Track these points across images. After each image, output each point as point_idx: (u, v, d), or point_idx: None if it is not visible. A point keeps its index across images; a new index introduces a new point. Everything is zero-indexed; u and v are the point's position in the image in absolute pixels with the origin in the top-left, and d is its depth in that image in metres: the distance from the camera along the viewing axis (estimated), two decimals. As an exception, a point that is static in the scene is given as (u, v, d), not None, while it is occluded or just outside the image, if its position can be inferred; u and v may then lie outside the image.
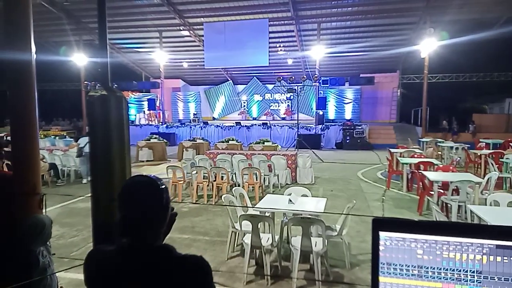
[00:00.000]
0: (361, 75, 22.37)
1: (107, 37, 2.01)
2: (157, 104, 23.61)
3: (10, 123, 2.41)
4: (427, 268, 0.89)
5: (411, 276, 0.90)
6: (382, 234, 0.90)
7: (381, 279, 0.89)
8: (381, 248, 0.90)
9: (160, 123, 22.40)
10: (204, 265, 1.22)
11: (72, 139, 13.61)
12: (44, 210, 2.62)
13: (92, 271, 1.25)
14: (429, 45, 16.94)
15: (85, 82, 20.56)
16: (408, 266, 0.90)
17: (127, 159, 2.03)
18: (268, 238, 3.96)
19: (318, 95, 20.71)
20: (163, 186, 1.27)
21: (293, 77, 15.96)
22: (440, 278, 0.90)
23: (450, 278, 0.90)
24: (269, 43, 19.29)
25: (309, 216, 3.80)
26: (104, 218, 1.95)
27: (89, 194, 6.66)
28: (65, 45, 21.59)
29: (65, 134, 18.79)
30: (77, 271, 3.80)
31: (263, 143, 12.34)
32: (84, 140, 9.59)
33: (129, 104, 2.13)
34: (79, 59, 21.46)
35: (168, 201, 1.27)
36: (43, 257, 2.42)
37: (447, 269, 0.89)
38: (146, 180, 1.27)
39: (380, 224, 0.91)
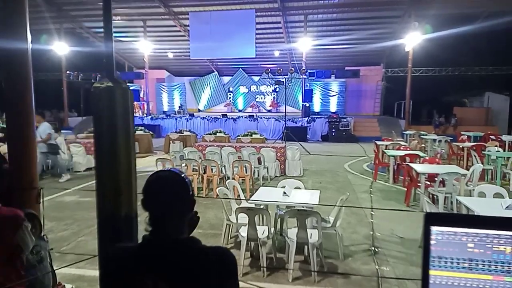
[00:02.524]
0: (346, 68, 22.55)
1: (112, 26, 1.94)
2: (141, 95, 23.20)
3: (6, 117, 2.33)
4: (478, 261, 0.92)
5: (461, 269, 0.93)
6: (434, 229, 0.92)
7: (432, 272, 0.92)
8: (432, 242, 0.92)
9: (145, 115, 22.06)
10: (230, 257, 1.25)
11: (54, 131, 13.25)
12: (41, 204, 2.56)
13: (115, 269, 1.24)
14: (413, 39, 17.18)
15: (68, 72, 19.97)
16: (459, 260, 0.93)
17: (132, 151, 1.99)
18: (264, 231, 3.98)
19: (304, 87, 20.79)
20: (188, 179, 1.32)
21: (281, 69, 15.95)
22: (491, 271, 0.93)
23: (500, 270, 0.92)
24: (256, 34, 19.16)
25: (305, 208, 3.83)
26: (111, 211, 1.91)
27: (77, 187, 6.51)
28: (45, 33, 20.88)
29: (46, 126, 18.24)
30: (72, 266, 3.75)
31: (251, 136, 12.34)
32: (45, 129, 8.11)
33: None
34: (60, 48, 20.83)
35: (193, 193, 1.31)
36: (34, 254, 2.36)
37: (497, 262, 0.92)
38: (172, 174, 1.30)
39: (432, 219, 0.93)
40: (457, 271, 0.93)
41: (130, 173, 1.96)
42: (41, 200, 2.52)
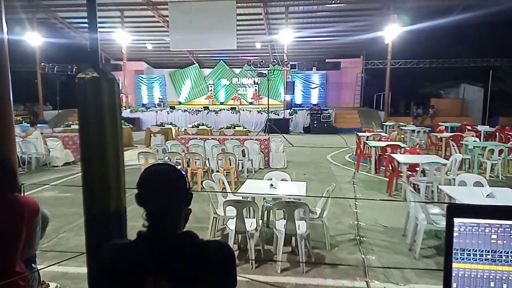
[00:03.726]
0: (327, 60, 22.66)
1: (97, 15, 1.85)
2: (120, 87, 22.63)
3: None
4: (501, 252, 0.91)
5: (485, 261, 0.91)
6: (457, 220, 0.90)
7: (455, 265, 0.90)
8: (455, 234, 0.91)
9: (124, 108, 21.56)
10: (228, 251, 1.24)
11: (29, 125, 12.80)
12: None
13: (113, 266, 1.19)
14: (392, 31, 17.42)
15: (42, 64, 19.21)
16: (482, 251, 0.92)
17: (120, 145, 1.91)
18: (252, 223, 3.97)
19: (286, 79, 20.78)
20: (184, 172, 1.30)
21: (263, 61, 15.87)
22: None
23: None
24: (237, 26, 18.94)
25: (294, 200, 3.83)
26: (98, 207, 1.84)
27: (56, 183, 6.31)
28: (16, 23, 19.99)
29: (21, 119, 17.62)
30: (56, 265, 3.63)
31: (234, 128, 12.26)
32: None
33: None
34: (33, 39, 20.01)
35: (190, 186, 1.29)
36: None
37: None
38: (170, 168, 1.27)
39: (455, 210, 0.92)
40: (480, 263, 0.92)
41: (118, 166, 1.88)
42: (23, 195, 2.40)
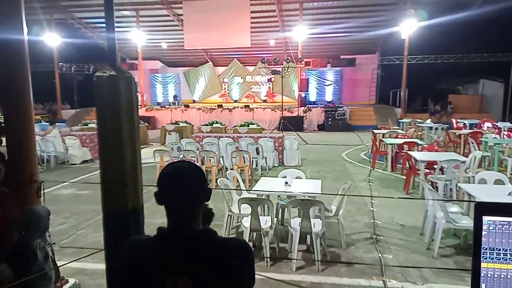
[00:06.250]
0: (341, 57, 22.42)
1: (114, 15, 1.86)
2: (135, 86, 22.87)
3: (4, 110, 2.24)
4: None
5: None
6: (486, 219, 0.86)
7: (483, 264, 0.86)
8: (483, 233, 0.87)
9: (139, 106, 21.82)
10: (247, 248, 1.24)
11: (48, 124, 13.08)
12: (42, 198, 2.50)
13: (131, 261, 1.21)
14: (409, 26, 17.08)
15: (60, 64, 19.62)
16: None
17: (137, 142, 1.93)
18: (267, 221, 3.95)
19: (300, 77, 20.65)
20: (202, 169, 1.31)
21: (278, 59, 15.80)
22: None
23: None
24: (251, 23, 18.92)
25: (309, 198, 3.81)
26: (116, 205, 1.86)
27: (73, 180, 6.43)
28: (35, 24, 20.45)
29: (40, 118, 18.02)
30: (75, 261, 3.70)
31: (248, 126, 12.26)
32: None
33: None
34: (51, 39, 20.43)
35: (207, 183, 1.31)
36: (40, 249, 2.31)
37: None
38: (189, 165, 1.28)
39: (484, 208, 0.88)
40: (510, 263, 0.88)
41: (135, 165, 1.90)
42: (42, 194, 2.45)
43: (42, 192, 2.46)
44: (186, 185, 1.21)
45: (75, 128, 14.42)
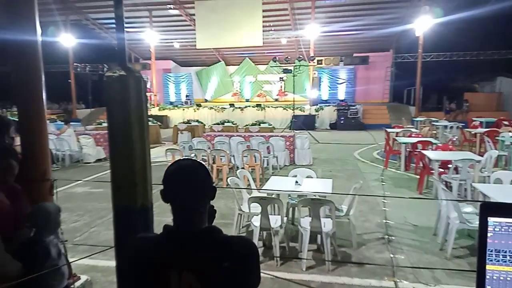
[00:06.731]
0: (354, 55, 22.19)
1: (123, 16, 1.89)
2: (148, 86, 23.15)
3: (18, 109, 2.29)
4: None
5: None
6: (491, 220, 0.84)
7: (489, 267, 0.85)
8: (489, 234, 0.85)
9: (152, 106, 22.06)
10: (251, 246, 1.24)
11: (63, 123, 13.34)
12: (55, 196, 2.54)
13: (137, 258, 1.23)
14: (423, 23, 16.80)
15: (75, 64, 19.98)
16: None
17: (147, 141, 1.95)
18: (277, 220, 3.95)
19: (312, 75, 20.53)
20: (207, 167, 1.31)
21: (290, 57, 15.74)
22: None
23: None
24: (263, 22, 18.89)
25: (319, 197, 3.78)
26: (126, 203, 1.88)
27: (87, 178, 6.53)
28: (50, 25, 20.86)
29: (55, 118, 18.39)
30: (87, 258, 3.76)
31: (259, 125, 12.26)
32: None
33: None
34: (67, 40, 20.80)
35: (213, 181, 1.31)
36: (53, 246, 2.35)
37: None
38: (194, 162, 1.28)
39: (489, 209, 0.86)
40: None
41: (145, 163, 1.92)
42: (55, 192, 2.50)
43: (55, 190, 2.50)
44: (190, 183, 1.22)
45: (89, 127, 14.67)
